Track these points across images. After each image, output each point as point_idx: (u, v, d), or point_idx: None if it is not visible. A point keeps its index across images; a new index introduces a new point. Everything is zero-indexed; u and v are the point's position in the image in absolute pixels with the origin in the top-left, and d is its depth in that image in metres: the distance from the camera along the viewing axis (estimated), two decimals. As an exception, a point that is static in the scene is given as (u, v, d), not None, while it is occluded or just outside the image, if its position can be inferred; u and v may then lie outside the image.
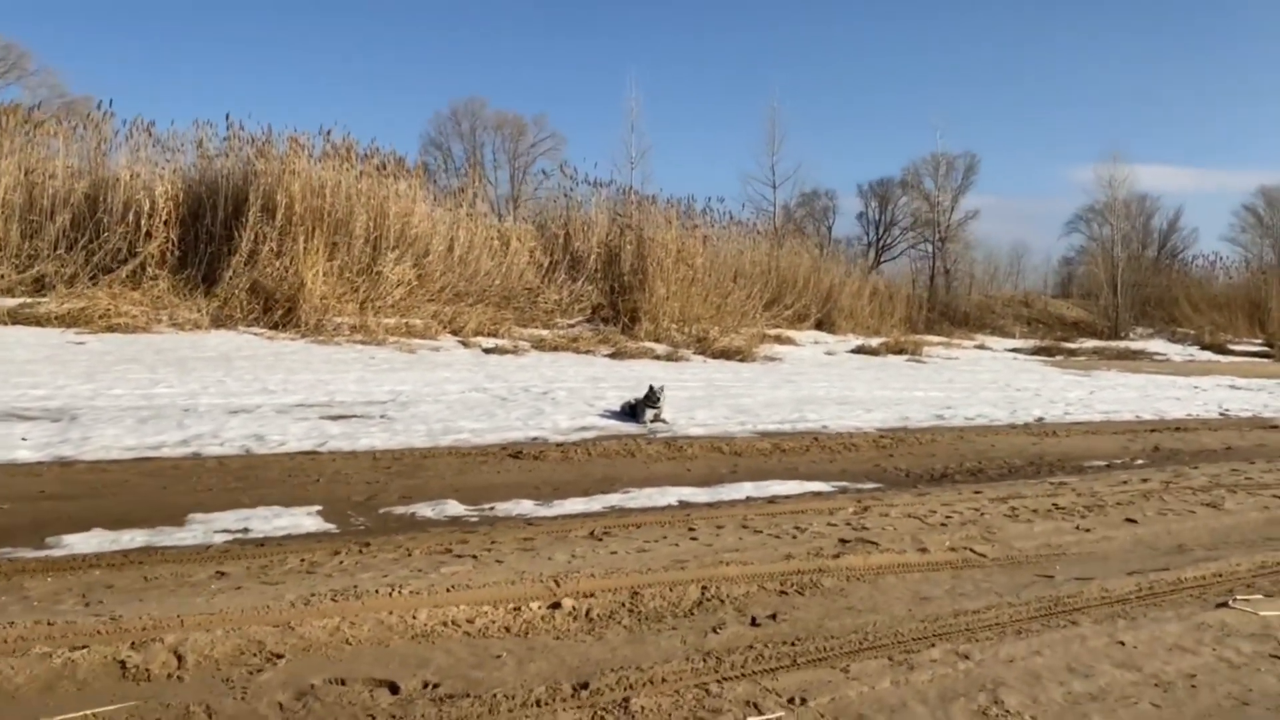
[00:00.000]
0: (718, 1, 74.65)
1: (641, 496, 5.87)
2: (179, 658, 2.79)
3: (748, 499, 5.98)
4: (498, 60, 72.46)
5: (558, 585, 3.57)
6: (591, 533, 4.58)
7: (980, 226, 58.11)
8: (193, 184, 17.11)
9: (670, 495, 5.97)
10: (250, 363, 11.56)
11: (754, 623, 3.40)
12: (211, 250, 16.26)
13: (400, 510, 5.18)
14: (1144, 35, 75.04)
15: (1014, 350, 21.78)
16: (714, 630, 3.31)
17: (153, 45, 66.41)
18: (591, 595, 3.49)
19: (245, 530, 4.63)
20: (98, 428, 7.18)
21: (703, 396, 11.22)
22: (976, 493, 6.17)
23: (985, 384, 14.75)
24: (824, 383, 13.64)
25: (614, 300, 19.28)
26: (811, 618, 3.52)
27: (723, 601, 3.63)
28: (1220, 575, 4.43)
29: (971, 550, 4.64)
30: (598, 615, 3.37)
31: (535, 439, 7.88)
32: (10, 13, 55.10)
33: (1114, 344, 23.71)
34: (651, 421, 9.10)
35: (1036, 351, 21.51)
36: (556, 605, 3.37)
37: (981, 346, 22.19)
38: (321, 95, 67.73)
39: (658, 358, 15.58)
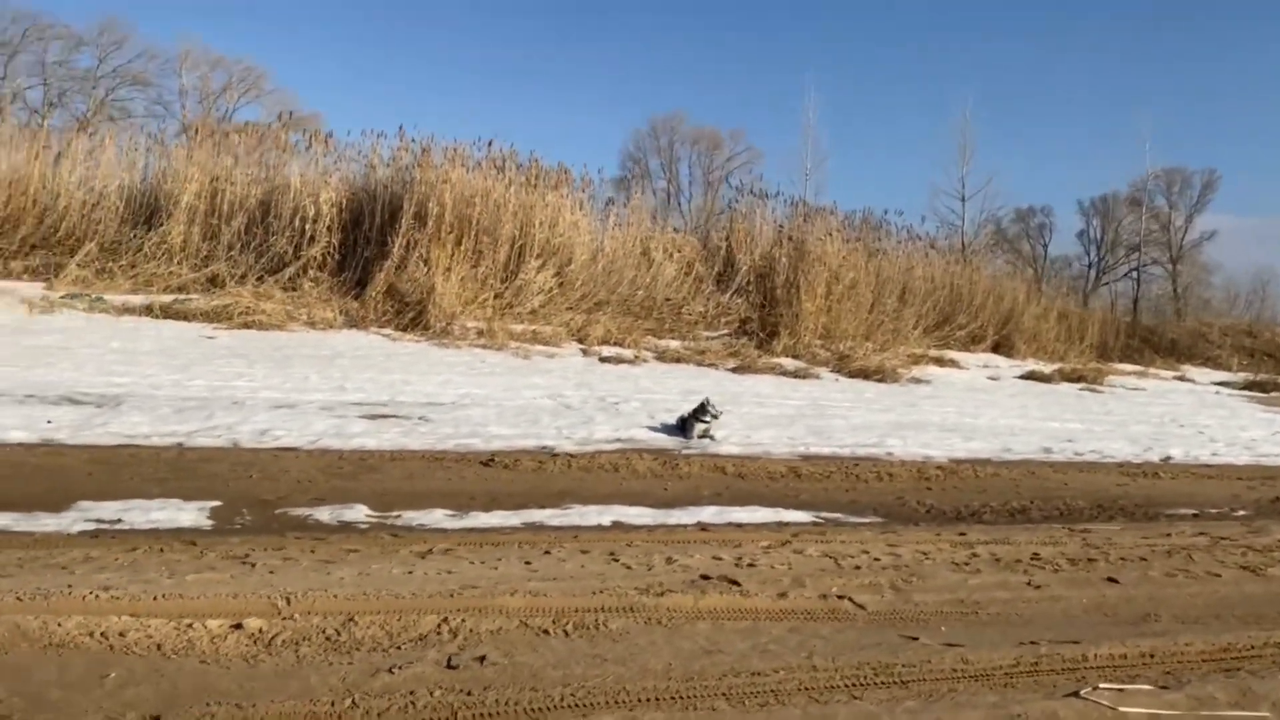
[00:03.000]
0: (917, 21, 71.53)
1: (575, 515, 5.49)
2: None
3: (699, 524, 5.49)
4: (699, 77, 72.76)
5: (287, 604, 3.28)
6: (429, 550, 4.25)
7: (1220, 248, 52.45)
8: (356, 191, 17.88)
9: (611, 515, 5.56)
10: (353, 361, 11.89)
11: (450, 665, 2.98)
12: (367, 255, 16.96)
13: (297, 512, 5.05)
14: None
15: (1220, 384, 19.37)
16: (393, 670, 2.91)
17: (382, 69, 71.26)
18: (294, 618, 3.17)
19: (117, 521, 4.62)
20: (126, 415, 7.51)
21: (792, 415, 10.57)
22: (961, 535, 5.37)
23: (1149, 418, 13.16)
24: (952, 408, 12.57)
25: (763, 314, 18.70)
26: (538, 665, 3.05)
27: (455, 636, 3.22)
28: (1151, 656, 3.56)
29: (851, 600, 3.97)
30: (283, 641, 3.05)
31: (544, 447, 7.60)
32: (250, 35, 61.05)
33: (1353, 383, 20.60)
34: (699, 437, 8.64)
35: (1248, 386, 19.03)
36: (239, 626, 3.07)
37: (1182, 378, 19.89)
38: (527, 116, 70.42)
39: (785, 374, 14.92)
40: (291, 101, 36.68)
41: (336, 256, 16.99)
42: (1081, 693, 3.08)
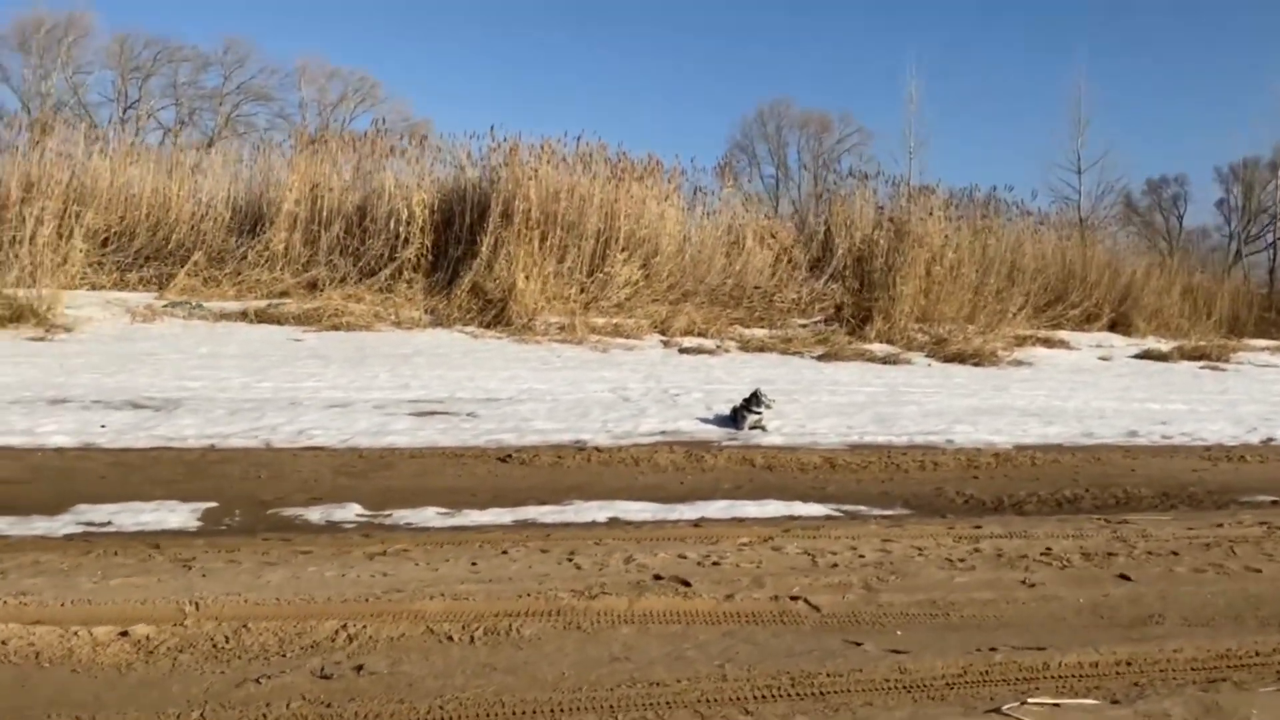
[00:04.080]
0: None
1: (573, 511, 5.36)
2: None
3: (697, 520, 5.26)
4: (807, 61, 71.13)
5: (195, 609, 3.26)
6: (383, 551, 4.18)
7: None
8: (447, 193, 18.08)
9: (612, 510, 5.41)
10: (429, 359, 12.02)
11: (323, 675, 2.88)
12: (457, 255, 17.16)
13: (289, 512, 5.08)
14: None
15: (1372, 355, 17.84)
16: (261, 680, 2.83)
17: (492, 74, 72.39)
18: (186, 625, 3.13)
19: (106, 524, 4.72)
20: (179, 418, 7.75)
21: (863, 403, 10.18)
22: (976, 527, 4.99)
23: (1268, 397, 12.18)
24: (1044, 391, 11.91)
25: (858, 299, 18.16)
26: (419, 675, 2.93)
27: (350, 643, 3.13)
28: (1127, 664, 3.20)
29: (807, 601, 3.71)
30: (166, 648, 3.02)
31: (579, 442, 7.50)
32: (364, 46, 63.06)
33: None
34: (750, 428, 8.41)
35: (1402, 357, 17.48)
36: (125, 634, 3.05)
37: (1325, 350, 18.40)
38: (638, 113, 70.25)
39: (873, 360, 14.41)
40: (405, 109, 37.70)
41: (429, 258, 17.21)
42: (1004, 708, 2.77)
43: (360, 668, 2.94)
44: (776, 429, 8.48)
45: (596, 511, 5.34)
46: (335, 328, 14.07)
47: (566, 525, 5.01)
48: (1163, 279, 19.64)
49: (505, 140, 18.30)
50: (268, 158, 18.96)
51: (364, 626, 3.22)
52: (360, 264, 16.81)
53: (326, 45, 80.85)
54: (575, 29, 74.73)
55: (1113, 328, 19.45)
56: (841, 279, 19.07)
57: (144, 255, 16.54)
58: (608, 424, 8.37)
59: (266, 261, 16.70)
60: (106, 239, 16.36)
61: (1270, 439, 8.71)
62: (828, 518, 5.43)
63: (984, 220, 20.37)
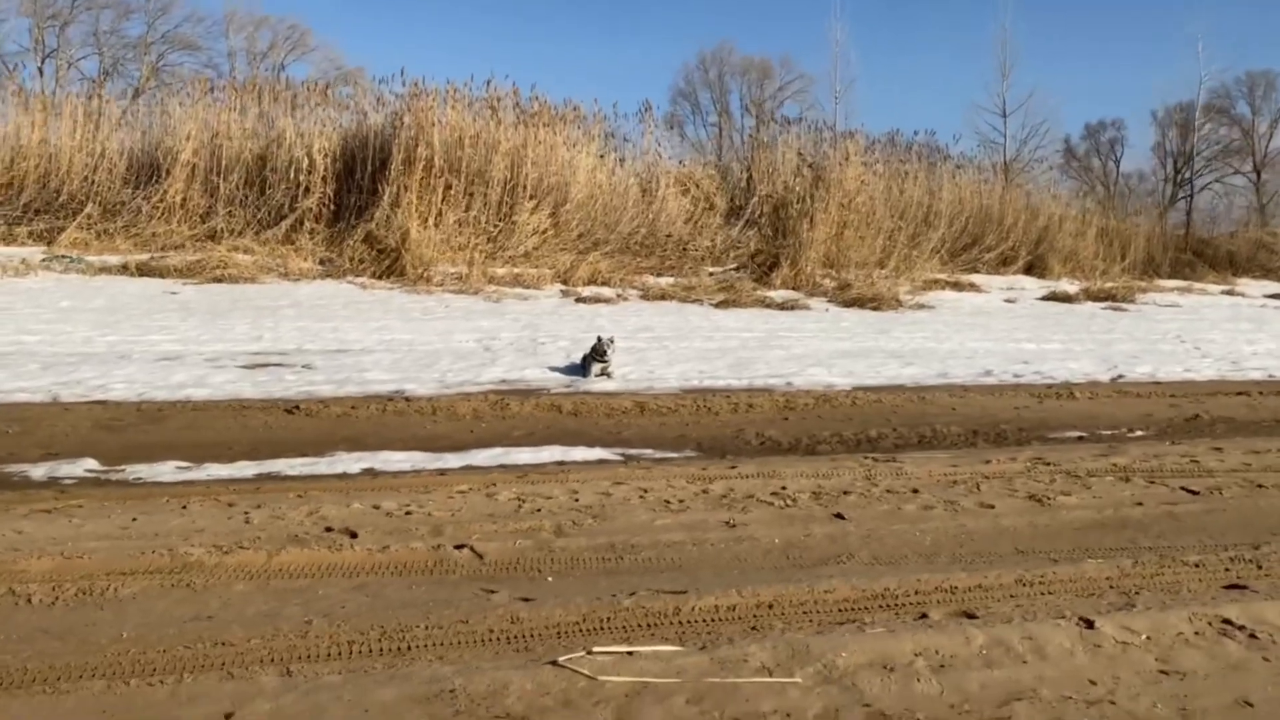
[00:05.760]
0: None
1: (326, 463, 5.12)
2: None
3: (458, 468, 5.06)
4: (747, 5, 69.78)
5: None
6: (50, 509, 3.92)
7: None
8: (350, 140, 17.54)
9: (373, 461, 5.19)
10: (300, 310, 11.69)
11: None
12: (359, 203, 16.68)
13: (11, 469, 4.83)
14: None
15: (1272, 296, 17.82)
16: None
17: (429, 19, 70.50)
18: None
19: None
20: (-17, 372, 7.39)
21: (733, 348, 9.99)
22: (731, 468, 4.81)
23: (1150, 335, 12.09)
24: (926, 334, 11.75)
25: (771, 246, 17.91)
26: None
27: (-90, 604, 2.86)
28: (769, 607, 3.03)
29: (472, 549, 3.49)
30: None
31: (397, 392, 7.23)
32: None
33: None
34: (597, 375, 8.20)
35: (1304, 296, 17.51)
36: None
37: (1231, 291, 18.36)
38: (581, 58, 68.53)
39: (770, 306, 14.20)
40: (337, 57, 36.77)
41: (331, 207, 16.73)
42: (561, 659, 2.55)
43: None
44: (624, 375, 8.29)
45: (353, 463, 5.09)
46: (219, 280, 13.66)
47: (306, 478, 4.77)
48: (1078, 221, 19.50)
49: (410, 85, 17.77)
50: (165, 106, 18.27)
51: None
52: (260, 214, 16.34)
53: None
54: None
55: (1029, 270, 19.33)
56: (758, 226, 18.81)
57: (33, 209, 15.95)
58: (448, 374, 8.11)
59: (163, 214, 16.21)
60: (-9, 192, 15.79)
61: (1120, 376, 8.59)
62: (601, 461, 5.23)
63: (902, 164, 20.13)
